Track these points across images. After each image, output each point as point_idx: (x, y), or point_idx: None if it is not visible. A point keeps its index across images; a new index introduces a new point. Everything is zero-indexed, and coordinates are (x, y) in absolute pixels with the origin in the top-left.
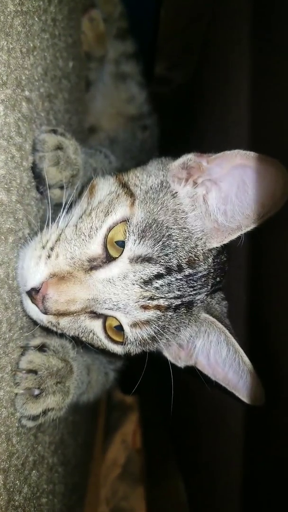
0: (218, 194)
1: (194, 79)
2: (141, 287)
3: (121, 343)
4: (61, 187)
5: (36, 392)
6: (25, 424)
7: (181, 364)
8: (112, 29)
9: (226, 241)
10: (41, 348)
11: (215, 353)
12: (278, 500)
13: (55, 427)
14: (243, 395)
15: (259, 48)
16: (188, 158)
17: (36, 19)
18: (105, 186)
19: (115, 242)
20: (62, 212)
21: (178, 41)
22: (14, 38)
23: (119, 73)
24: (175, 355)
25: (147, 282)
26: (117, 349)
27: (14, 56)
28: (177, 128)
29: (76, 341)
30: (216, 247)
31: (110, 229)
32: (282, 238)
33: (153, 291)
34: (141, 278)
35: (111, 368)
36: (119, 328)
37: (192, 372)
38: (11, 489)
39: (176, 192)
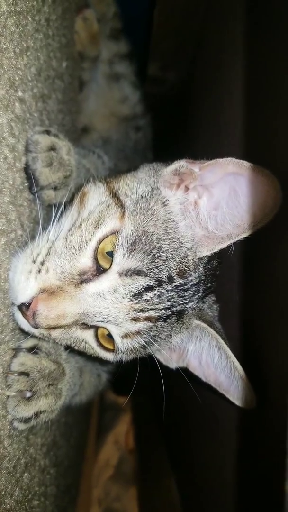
0: (210, 200)
1: (187, 79)
2: (131, 300)
3: (113, 351)
4: (54, 188)
5: (28, 394)
6: (17, 426)
7: (172, 365)
8: (105, 29)
9: (216, 249)
10: (33, 350)
11: (207, 358)
12: (269, 499)
13: (47, 429)
14: (234, 398)
15: (253, 48)
16: (181, 164)
17: (30, 19)
18: (96, 195)
19: (106, 252)
20: (54, 219)
21: (171, 42)
22: (7, 39)
23: (113, 73)
24: (167, 358)
25: (137, 295)
26: (109, 356)
27: (8, 56)
28: (170, 128)
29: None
30: (207, 255)
31: (100, 241)
32: (275, 238)
33: (144, 303)
34: (131, 291)
35: (103, 369)
36: (111, 336)
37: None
38: (3, 492)
39: (167, 200)
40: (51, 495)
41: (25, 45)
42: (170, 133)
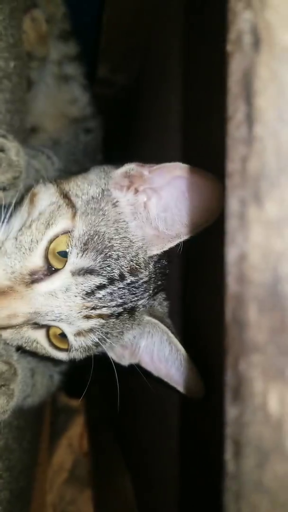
0: (159, 202)
1: (136, 82)
2: (84, 299)
3: (66, 350)
4: (3, 189)
5: None
6: None
7: (125, 362)
8: (54, 30)
9: (165, 248)
10: None
11: (158, 352)
12: (212, 491)
13: None
14: (185, 389)
15: (191, 55)
16: (131, 167)
17: None
18: (46, 196)
19: (57, 252)
20: (3, 219)
21: (120, 45)
22: None
23: (62, 74)
24: (120, 355)
25: (89, 294)
26: (62, 356)
27: None
28: (119, 130)
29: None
30: (157, 254)
31: (51, 241)
32: (210, 237)
33: (96, 301)
34: (84, 290)
35: (56, 370)
36: (64, 336)
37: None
38: None
39: (117, 201)
40: (3, 500)
41: None
42: (119, 135)
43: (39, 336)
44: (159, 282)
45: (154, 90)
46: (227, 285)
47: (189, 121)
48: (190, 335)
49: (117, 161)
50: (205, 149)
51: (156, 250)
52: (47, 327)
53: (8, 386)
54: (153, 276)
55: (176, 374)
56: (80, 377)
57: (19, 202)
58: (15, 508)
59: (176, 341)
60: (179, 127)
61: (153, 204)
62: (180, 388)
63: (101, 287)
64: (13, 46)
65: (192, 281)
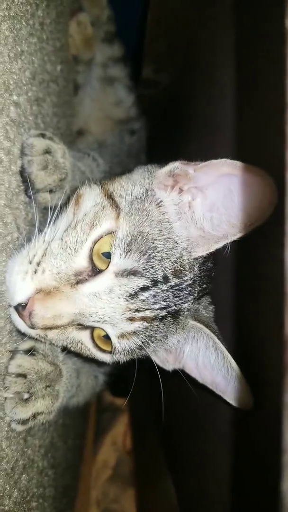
0: (204, 201)
1: (181, 81)
2: (127, 300)
3: (110, 352)
4: (50, 191)
5: (26, 396)
6: (14, 428)
7: (169, 367)
8: (99, 33)
9: (211, 249)
10: (30, 352)
11: (203, 358)
12: (265, 499)
13: (45, 430)
14: (231, 399)
15: (243, 50)
16: (175, 166)
17: (24, 23)
18: (91, 197)
19: (101, 253)
20: (50, 221)
21: (164, 44)
22: (1, 43)
23: (107, 76)
24: (163, 359)
25: (133, 295)
26: (106, 358)
27: (2, 60)
28: (164, 129)
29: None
30: (202, 256)
31: (95, 241)
32: (268, 238)
33: (139, 303)
34: (127, 291)
35: (100, 371)
36: (108, 337)
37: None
38: (1, 494)
39: (161, 201)
40: (49, 496)
41: (19, 49)
42: (163, 135)
43: (84, 337)
44: (204, 286)
45: (201, 85)
46: (287, 293)
47: (242, 115)
48: (240, 344)
49: (161, 161)
50: (258, 143)
51: (201, 252)
52: (92, 328)
53: (53, 387)
54: (198, 278)
55: (222, 382)
56: (125, 376)
57: (65, 204)
58: (61, 504)
59: (222, 347)
60: (228, 123)
61: (198, 204)
62: (226, 397)
63: (144, 289)
64: (59, 50)
65: (245, 287)
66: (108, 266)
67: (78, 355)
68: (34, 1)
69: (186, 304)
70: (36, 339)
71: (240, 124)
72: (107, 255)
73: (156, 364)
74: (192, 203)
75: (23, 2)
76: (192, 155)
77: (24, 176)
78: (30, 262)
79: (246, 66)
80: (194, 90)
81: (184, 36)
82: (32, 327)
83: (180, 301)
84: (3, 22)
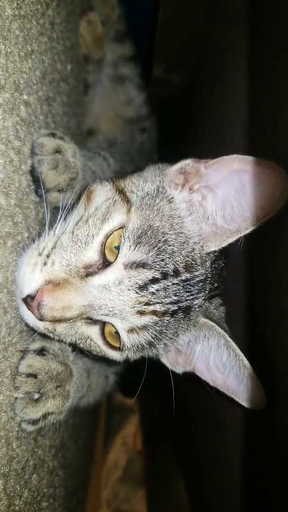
0: (215, 200)
1: (192, 81)
2: (137, 293)
3: (119, 349)
4: (60, 190)
5: (36, 396)
6: (25, 428)
7: (179, 370)
8: (110, 32)
9: (224, 244)
10: (41, 352)
11: (215, 358)
12: (277, 501)
13: (55, 430)
14: (244, 399)
15: (255, 49)
16: (186, 163)
17: (34, 22)
18: (102, 193)
19: (114, 247)
20: (60, 217)
21: (175, 43)
22: (12, 42)
23: (117, 75)
24: (173, 361)
25: (142, 287)
26: (115, 355)
27: (12, 60)
28: (175, 129)
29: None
30: (214, 252)
31: (107, 236)
32: (281, 237)
33: (149, 296)
34: (136, 283)
35: (111, 371)
36: (118, 333)
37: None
38: (12, 494)
39: (172, 197)
40: (59, 496)
41: (29, 49)
42: (175, 134)
43: (93, 332)
44: (216, 284)
45: (212, 84)
46: None
47: (254, 112)
48: (252, 344)
49: (173, 160)
50: (270, 139)
51: (214, 247)
52: (101, 324)
53: (64, 387)
54: (210, 275)
55: (234, 383)
56: (136, 376)
57: (75, 204)
58: (71, 504)
59: (234, 345)
60: (240, 121)
61: (208, 203)
62: (239, 398)
63: (154, 281)
64: (69, 49)
65: (256, 286)
66: (116, 258)
67: (88, 354)
68: (44, 0)
69: (197, 301)
70: (45, 336)
71: (252, 121)
72: (118, 248)
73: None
74: (203, 202)
75: (34, 2)
76: (203, 153)
77: (34, 175)
78: (40, 254)
79: (258, 64)
80: (206, 88)
81: (195, 35)
82: (41, 318)
83: (191, 297)
84: (14, 21)
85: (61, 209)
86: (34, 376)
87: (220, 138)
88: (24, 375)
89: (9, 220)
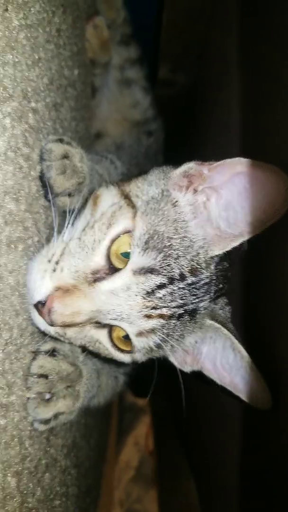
0: (219, 201)
1: (197, 81)
2: (144, 298)
3: (128, 352)
4: (69, 195)
5: (47, 396)
6: (37, 427)
7: (187, 369)
8: (116, 35)
9: (228, 248)
10: (52, 352)
11: (221, 359)
12: (282, 498)
13: (67, 430)
14: (250, 399)
15: (260, 47)
16: (189, 166)
17: (41, 31)
18: (108, 198)
19: (120, 253)
20: (68, 222)
21: (180, 43)
22: (19, 52)
23: (124, 78)
24: (181, 361)
25: (150, 293)
26: (124, 358)
27: (20, 69)
28: (180, 129)
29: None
30: (218, 255)
31: (113, 240)
32: (279, 238)
33: (156, 301)
34: (144, 289)
35: (120, 372)
36: (127, 338)
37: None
38: (25, 492)
39: (177, 201)
40: (72, 495)
41: (36, 57)
42: (180, 135)
43: (102, 336)
44: (221, 285)
45: (216, 85)
46: None
47: (251, 114)
48: (255, 343)
49: (178, 161)
50: (272, 142)
51: (218, 250)
52: (109, 328)
53: (74, 387)
54: (214, 278)
55: (240, 383)
56: (146, 376)
57: (82, 207)
58: (84, 504)
59: (240, 347)
60: (242, 122)
61: (212, 204)
62: (245, 398)
63: (161, 286)
64: (76, 54)
65: (256, 284)
66: (126, 264)
67: (97, 355)
68: (50, 8)
69: (203, 303)
70: (56, 338)
71: (255, 122)
72: (125, 255)
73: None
74: (207, 204)
75: (40, 11)
76: (207, 155)
77: (43, 181)
78: (49, 261)
79: (262, 63)
80: (210, 88)
81: (199, 35)
82: (51, 324)
83: (197, 300)
84: (20, 31)
85: (69, 213)
86: (45, 376)
87: (225, 138)
88: (35, 376)
89: (20, 225)
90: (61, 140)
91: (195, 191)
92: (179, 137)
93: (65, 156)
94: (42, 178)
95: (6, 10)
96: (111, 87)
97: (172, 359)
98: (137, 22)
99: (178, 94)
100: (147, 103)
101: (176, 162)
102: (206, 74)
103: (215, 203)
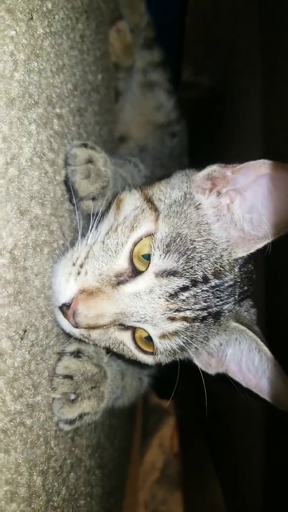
0: (243, 203)
1: (221, 83)
2: (167, 300)
3: (151, 353)
4: (93, 199)
5: (72, 396)
6: (62, 427)
7: (211, 371)
8: (139, 39)
9: (252, 250)
10: (76, 354)
11: (246, 361)
12: None
13: (91, 430)
14: (275, 401)
15: (278, 49)
16: (213, 169)
17: (65, 37)
18: (131, 201)
19: (141, 255)
20: (92, 226)
21: (203, 46)
22: (44, 59)
23: (147, 82)
24: (206, 363)
25: (173, 295)
26: (148, 359)
27: (45, 76)
28: (205, 130)
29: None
30: (243, 257)
31: (135, 243)
32: None
33: (179, 303)
34: (167, 291)
35: (144, 373)
36: (149, 339)
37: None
38: (50, 491)
39: (200, 204)
40: (97, 495)
41: (61, 63)
42: (204, 137)
43: (125, 337)
44: (245, 288)
45: (243, 87)
46: None
47: (276, 116)
48: (280, 344)
49: (203, 163)
50: None
51: (242, 253)
52: (133, 329)
53: (99, 388)
54: (239, 280)
55: (266, 385)
56: (170, 378)
57: (106, 210)
58: (108, 504)
59: (266, 349)
60: (268, 124)
61: (236, 206)
62: (272, 400)
63: (184, 289)
64: (100, 59)
65: (277, 284)
66: (148, 267)
67: (121, 357)
68: (74, 15)
69: (227, 306)
70: (80, 340)
71: (278, 126)
72: (147, 257)
73: (199, 368)
74: (231, 206)
75: (64, 18)
76: (232, 156)
77: (68, 185)
78: (74, 264)
79: (283, 66)
80: (233, 91)
81: (224, 37)
82: (76, 326)
83: (221, 302)
84: (45, 39)
85: (92, 216)
86: (70, 377)
87: (249, 140)
88: (61, 377)
89: (45, 229)
90: (85, 145)
91: (219, 193)
92: (203, 139)
93: (90, 161)
94: (66, 182)
95: (31, 18)
96: (134, 91)
97: (196, 361)
98: (160, 25)
99: (202, 96)
100: (171, 106)
101: (200, 163)
102: (231, 77)
103: (239, 205)
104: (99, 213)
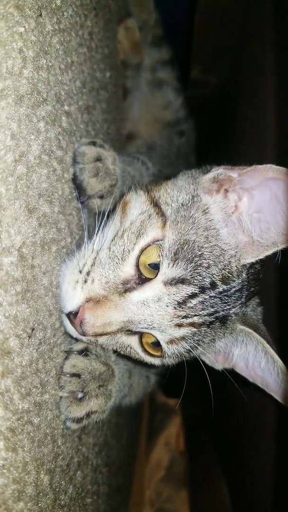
0: (251, 202)
1: (230, 81)
2: (175, 308)
3: (158, 356)
4: (101, 197)
5: (80, 395)
6: (69, 426)
7: (219, 367)
8: (147, 37)
9: (261, 256)
10: (84, 352)
11: (253, 362)
12: None
13: (98, 429)
14: (282, 399)
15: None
16: (219, 172)
17: (73, 35)
18: (137, 205)
19: (148, 264)
20: (98, 229)
21: (212, 44)
22: (52, 56)
23: (155, 79)
24: (212, 360)
25: (181, 303)
26: (154, 361)
27: (53, 73)
28: (212, 129)
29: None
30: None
31: (142, 250)
32: None
33: (187, 310)
34: (175, 300)
35: (152, 372)
36: (156, 344)
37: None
38: (57, 489)
39: (208, 207)
40: (103, 493)
41: (69, 61)
42: (212, 135)
43: (133, 342)
44: (252, 289)
45: (250, 86)
46: None
47: (286, 114)
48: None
49: (211, 163)
50: None
51: (250, 259)
52: (140, 334)
53: (106, 386)
54: (246, 283)
55: (273, 384)
56: (177, 377)
57: (112, 210)
58: (115, 502)
59: (272, 352)
60: (277, 124)
61: (244, 203)
62: (278, 397)
63: (192, 296)
64: (108, 57)
65: None
66: (156, 275)
67: (128, 357)
68: (83, 12)
69: (234, 309)
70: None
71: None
72: (154, 266)
73: (205, 366)
74: (239, 204)
75: (72, 15)
76: (241, 155)
77: (76, 183)
78: (80, 272)
79: None
80: (242, 90)
81: (232, 35)
82: (83, 334)
83: (228, 307)
84: (54, 36)
85: (98, 216)
86: (78, 375)
87: (259, 138)
88: (68, 375)
89: (53, 227)
90: (94, 143)
91: (226, 191)
92: (211, 137)
93: (98, 159)
94: (75, 180)
95: (40, 15)
96: (142, 89)
97: (203, 358)
98: (169, 23)
99: (210, 94)
100: (179, 104)
101: (209, 163)
102: (240, 75)
103: (247, 203)
104: (106, 212)
